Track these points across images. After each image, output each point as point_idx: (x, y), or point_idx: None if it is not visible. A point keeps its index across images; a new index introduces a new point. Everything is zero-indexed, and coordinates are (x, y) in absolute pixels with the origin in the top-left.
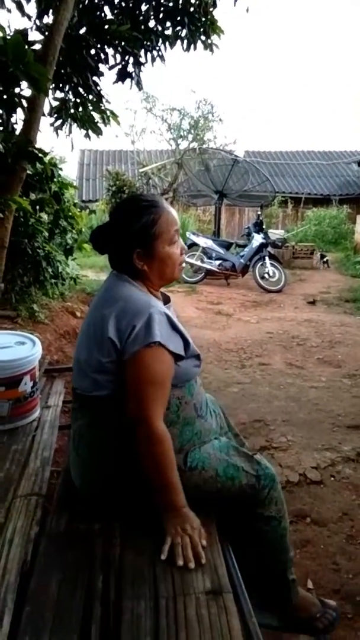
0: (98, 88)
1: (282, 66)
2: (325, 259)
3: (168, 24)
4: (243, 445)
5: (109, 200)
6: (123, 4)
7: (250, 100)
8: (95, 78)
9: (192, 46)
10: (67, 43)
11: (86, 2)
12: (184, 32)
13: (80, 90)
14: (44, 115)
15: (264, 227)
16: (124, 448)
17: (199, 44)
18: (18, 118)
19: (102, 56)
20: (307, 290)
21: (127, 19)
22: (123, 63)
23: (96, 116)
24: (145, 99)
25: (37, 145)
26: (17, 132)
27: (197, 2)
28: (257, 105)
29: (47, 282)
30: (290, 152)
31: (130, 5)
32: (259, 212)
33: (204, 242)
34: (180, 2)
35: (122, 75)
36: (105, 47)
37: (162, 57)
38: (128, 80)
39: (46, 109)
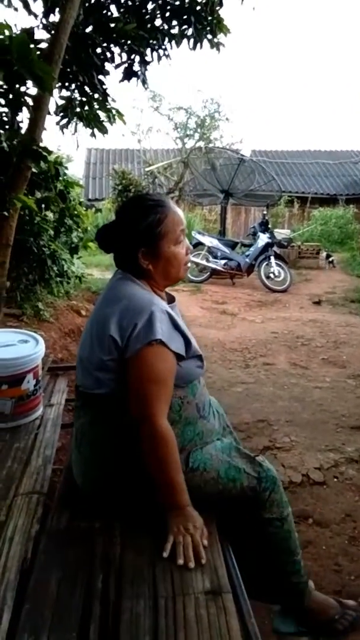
0: (104, 87)
1: (288, 65)
2: (331, 259)
3: (174, 22)
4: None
5: (115, 199)
6: (129, 3)
7: (257, 99)
8: (101, 77)
9: (199, 45)
10: (73, 41)
11: (92, 0)
12: (190, 31)
13: (86, 88)
14: (49, 113)
15: (269, 226)
16: (125, 446)
17: (205, 43)
18: (24, 117)
19: (108, 55)
20: (312, 290)
21: (134, 17)
22: (129, 62)
23: (102, 115)
24: (151, 98)
25: (43, 144)
26: (23, 131)
27: (204, 1)
28: (264, 104)
29: (52, 281)
30: (297, 152)
31: (137, 3)
32: (265, 212)
33: (209, 241)
34: (187, 0)
35: (128, 74)
36: (112, 45)
37: (168, 56)
38: (134, 79)
39: (52, 107)
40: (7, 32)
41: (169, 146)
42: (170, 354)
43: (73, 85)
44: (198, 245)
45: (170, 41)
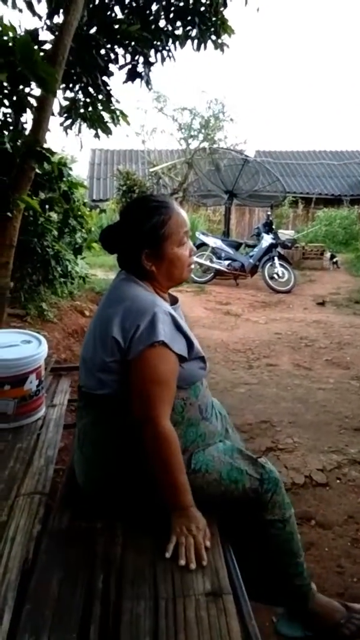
0: (108, 88)
1: (293, 65)
2: (335, 260)
3: (178, 23)
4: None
5: (120, 199)
6: (133, 4)
7: (262, 100)
8: (105, 78)
9: (203, 46)
10: (77, 43)
11: (96, 2)
12: (194, 32)
13: (90, 90)
14: (53, 115)
15: (273, 227)
16: (128, 447)
17: (210, 44)
18: (28, 117)
19: (112, 56)
20: (316, 291)
21: (137, 18)
22: (133, 63)
23: (106, 116)
24: (156, 99)
25: (48, 145)
26: (27, 132)
27: (208, 2)
28: (268, 105)
29: (56, 281)
30: (302, 152)
31: (141, 5)
32: (269, 213)
33: (213, 242)
34: (191, 1)
35: (132, 75)
36: (115, 46)
37: (172, 57)
38: (138, 80)
39: (56, 108)
40: (11, 34)
41: (173, 147)
42: (173, 355)
43: (77, 87)
44: (202, 245)
45: (174, 42)
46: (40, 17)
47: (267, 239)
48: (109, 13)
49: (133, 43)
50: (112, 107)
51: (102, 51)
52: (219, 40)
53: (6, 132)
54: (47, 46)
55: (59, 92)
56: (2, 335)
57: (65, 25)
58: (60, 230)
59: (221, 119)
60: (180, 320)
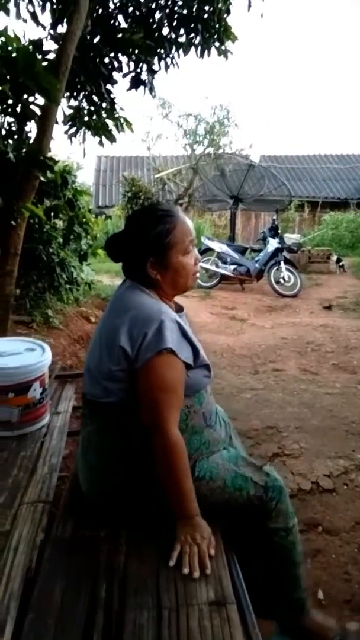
0: (112, 96)
1: (297, 69)
2: (341, 264)
3: (182, 31)
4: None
5: (125, 205)
6: (137, 13)
7: (266, 104)
8: (108, 86)
9: (206, 53)
10: (80, 52)
11: (100, 11)
12: (197, 39)
13: (94, 98)
14: (57, 123)
15: (279, 231)
16: (132, 455)
17: (213, 51)
18: (32, 126)
19: (116, 64)
20: (323, 295)
21: (141, 27)
22: (137, 71)
23: (110, 123)
24: (161, 105)
25: (53, 152)
26: (31, 141)
27: (211, 9)
28: (273, 109)
29: (61, 288)
30: (307, 156)
31: (144, 13)
32: (275, 217)
33: (218, 247)
34: (194, 9)
35: (136, 83)
36: (119, 55)
37: (175, 65)
38: (141, 87)
39: (60, 117)
40: (15, 44)
41: (178, 153)
42: (180, 362)
43: (81, 95)
44: (207, 250)
45: (177, 50)
46: (44, 27)
47: (272, 244)
48: (112, 22)
49: (136, 51)
50: (116, 115)
51: (106, 60)
52: (223, 47)
53: (10, 142)
54: (51, 56)
55: (64, 101)
56: (6, 343)
57: (69, 35)
58: (65, 237)
59: (226, 124)
60: (187, 327)
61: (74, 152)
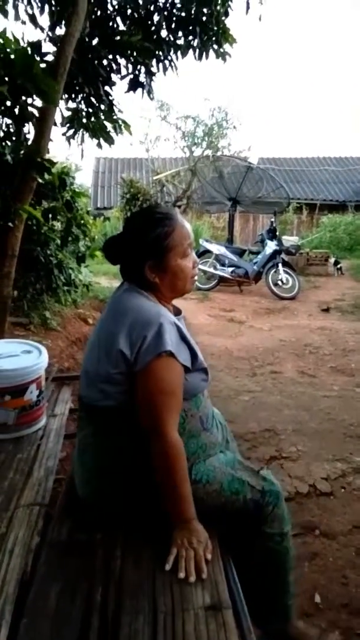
0: (110, 98)
1: (296, 72)
2: (339, 266)
3: (180, 33)
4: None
5: (124, 207)
6: (135, 15)
7: (265, 107)
8: (107, 88)
9: (204, 55)
10: (79, 54)
11: (98, 13)
12: (195, 42)
13: (92, 100)
14: (55, 125)
15: (277, 233)
16: (128, 457)
17: (211, 53)
18: (30, 128)
19: (114, 66)
20: (321, 298)
21: (139, 29)
22: (135, 73)
23: (108, 125)
24: (159, 107)
25: (52, 154)
26: (30, 142)
27: (210, 12)
28: (272, 111)
29: (59, 290)
30: (305, 159)
31: (143, 15)
32: (273, 219)
33: (216, 249)
34: (193, 12)
35: (134, 85)
36: (117, 57)
37: (173, 67)
38: (140, 89)
39: (59, 118)
40: (13, 46)
41: (177, 155)
42: (179, 365)
43: (79, 97)
44: (205, 253)
45: (175, 52)
46: (42, 29)
47: (270, 246)
48: (111, 24)
49: (135, 53)
50: (115, 117)
51: (104, 62)
52: (221, 50)
53: (9, 143)
54: (50, 57)
55: (62, 103)
56: (3, 345)
57: (67, 37)
58: (63, 239)
59: (224, 126)
60: (185, 330)
61: (72, 153)
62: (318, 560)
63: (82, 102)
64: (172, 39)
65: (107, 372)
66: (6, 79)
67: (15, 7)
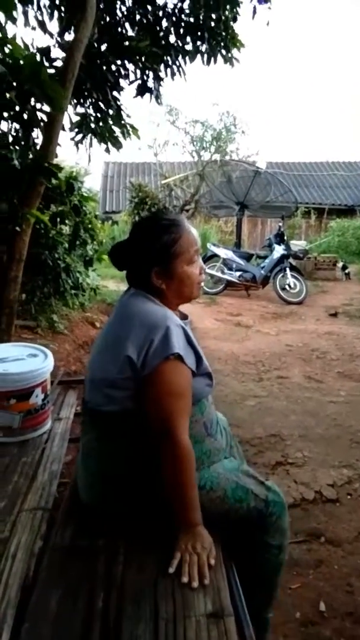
0: (118, 102)
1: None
2: (347, 270)
3: (188, 39)
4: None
5: (132, 211)
6: (144, 21)
7: (273, 111)
8: (115, 93)
9: (213, 60)
10: (87, 59)
11: (107, 19)
12: (204, 47)
13: (101, 105)
14: (64, 130)
15: (285, 238)
16: (132, 462)
17: (219, 58)
18: (39, 133)
19: (123, 72)
20: (329, 302)
21: (148, 35)
22: (143, 78)
23: (116, 130)
24: (168, 112)
25: (62, 158)
26: (38, 147)
27: (218, 17)
28: (280, 116)
29: (67, 293)
30: (314, 163)
31: (151, 21)
32: (281, 223)
33: (224, 253)
34: (201, 17)
35: (142, 90)
36: (126, 62)
37: (182, 72)
38: (148, 94)
39: (67, 123)
40: (24, 52)
41: (185, 159)
42: (187, 368)
43: (88, 102)
44: (213, 257)
45: (184, 57)
46: (52, 35)
47: (278, 250)
48: (119, 30)
49: (143, 59)
50: (123, 122)
51: (113, 67)
52: (229, 55)
53: (17, 148)
54: (59, 63)
55: (70, 108)
56: (9, 348)
57: (76, 43)
58: (71, 243)
59: (233, 131)
60: (191, 334)
61: (81, 157)
62: (323, 567)
63: (91, 107)
64: (180, 44)
65: (112, 376)
66: (14, 84)
67: (25, 13)
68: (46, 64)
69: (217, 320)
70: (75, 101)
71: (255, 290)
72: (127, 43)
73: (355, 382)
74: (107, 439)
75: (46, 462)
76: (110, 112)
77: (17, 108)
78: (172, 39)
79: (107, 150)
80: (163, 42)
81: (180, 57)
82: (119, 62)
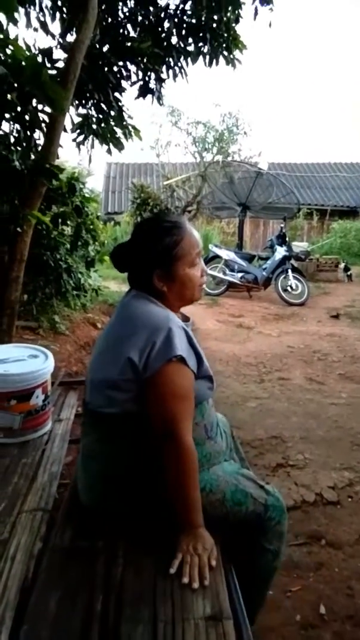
0: (120, 104)
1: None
2: (349, 272)
3: (190, 40)
4: (248, 469)
5: (134, 212)
6: (146, 22)
7: (276, 112)
8: (117, 94)
9: (215, 61)
10: (89, 60)
11: (109, 20)
12: (206, 48)
13: (103, 106)
14: (65, 131)
15: (287, 239)
16: (133, 464)
17: (221, 59)
18: (40, 134)
19: (124, 73)
20: (330, 304)
21: (149, 36)
22: (145, 79)
23: (118, 131)
24: (170, 113)
25: (64, 159)
26: (39, 148)
27: (220, 18)
28: (283, 117)
29: (68, 294)
30: (316, 164)
31: (153, 22)
32: (283, 225)
33: (226, 254)
34: (203, 18)
35: (144, 91)
36: (128, 63)
37: (183, 73)
38: (150, 95)
39: (69, 124)
40: (27, 54)
41: (187, 160)
42: (189, 370)
43: (89, 103)
44: (215, 258)
45: (186, 58)
46: (53, 36)
47: (280, 251)
48: (121, 31)
49: (145, 60)
50: (124, 123)
51: (115, 68)
52: (231, 56)
53: (18, 149)
54: (60, 64)
55: (72, 109)
56: (10, 349)
57: (77, 44)
58: (72, 244)
59: (235, 132)
60: (193, 336)
61: (84, 158)
62: (324, 570)
63: (92, 108)
64: (182, 45)
65: (113, 377)
66: (15, 85)
67: (27, 14)
68: (48, 65)
69: (219, 321)
70: (76, 102)
71: (257, 291)
72: (128, 44)
73: (356, 384)
74: (107, 440)
75: (46, 463)
76: (112, 113)
77: (19, 109)
78: (174, 40)
79: (109, 151)
80: (165, 43)
81: (182, 59)
82: (120, 63)
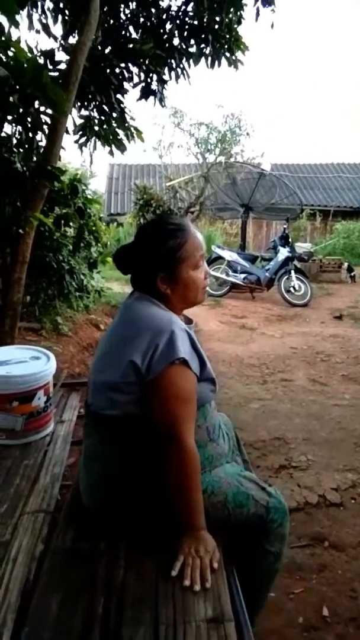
0: (122, 105)
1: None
2: (352, 273)
3: (192, 41)
4: (251, 472)
5: (137, 213)
6: (148, 24)
7: (279, 113)
8: (119, 96)
9: (217, 63)
10: (91, 62)
11: (111, 22)
12: (208, 50)
13: (105, 108)
14: (67, 133)
15: (290, 240)
16: (135, 465)
17: (223, 61)
18: (42, 136)
19: (126, 74)
20: (334, 305)
21: (151, 37)
22: (147, 81)
23: (120, 133)
24: (173, 114)
25: (66, 161)
26: (42, 150)
27: (222, 20)
28: (286, 118)
29: (71, 295)
30: (319, 165)
31: (155, 24)
32: (286, 226)
33: (229, 255)
34: (205, 20)
35: (146, 93)
36: (130, 65)
37: (185, 75)
38: (152, 97)
39: (71, 126)
40: (29, 56)
41: (190, 161)
42: (192, 373)
43: (92, 105)
44: (218, 259)
45: (188, 60)
46: (55, 38)
47: (283, 252)
48: (123, 32)
49: (147, 61)
50: (127, 124)
51: (116, 70)
52: (233, 57)
53: (20, 151)
54: (62, 66)
55: (74, 110)
56: (12, 351)
57: (79, 46)
58: (75, 245)
59: (237, 133)
60: (195, 339)
61: (87, 160)
62: (327, 572)
63: (94, 110)
64: (184, 47)
65: (115, 380)
66: (17, 87)
67: (29, 16)
68: (50, 67)
69: (222, 322)
70: (79, 104)
71: (259, 292)
72: (130, 46)
73: (359, 385)
74: (109, 442)
75: (48, 464)
76: (114, 114)
77: (21, 111)
78: (176, 41)
79: (111, 152)
80: (167, 44)
81: (184, 60)
82: (122, 64)
